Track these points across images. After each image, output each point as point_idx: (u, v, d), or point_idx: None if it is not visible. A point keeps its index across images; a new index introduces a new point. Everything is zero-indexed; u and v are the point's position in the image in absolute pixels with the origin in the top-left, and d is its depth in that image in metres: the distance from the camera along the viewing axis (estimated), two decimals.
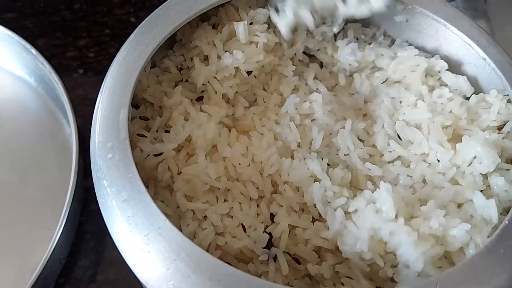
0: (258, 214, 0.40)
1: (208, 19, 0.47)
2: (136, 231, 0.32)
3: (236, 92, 0.44)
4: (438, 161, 0.42)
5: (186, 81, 0.46)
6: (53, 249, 0.42)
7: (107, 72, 0.40)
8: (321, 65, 0.50)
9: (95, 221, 0.50)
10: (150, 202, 0.33)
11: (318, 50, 0.49)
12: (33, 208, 0.49)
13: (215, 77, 0.43)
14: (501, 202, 0.38)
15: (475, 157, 0.40)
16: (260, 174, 0.41)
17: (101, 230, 0.50)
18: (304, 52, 0.49)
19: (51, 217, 0.48)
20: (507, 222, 0.35)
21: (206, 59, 0.45)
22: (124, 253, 0.33)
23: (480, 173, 0.40)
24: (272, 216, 0.41)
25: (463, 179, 0.40)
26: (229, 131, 0.43)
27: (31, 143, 0.54)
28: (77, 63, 0.62)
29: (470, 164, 0.40)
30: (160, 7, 0.43)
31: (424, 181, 0.42)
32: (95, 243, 0.50)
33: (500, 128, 0.43)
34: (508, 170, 0.40)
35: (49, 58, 0.53)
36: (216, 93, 0.43)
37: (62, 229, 0.43)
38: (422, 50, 0.49)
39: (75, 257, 0.49)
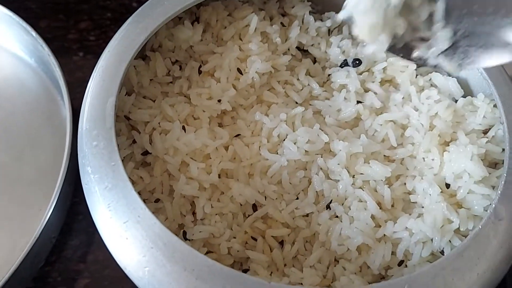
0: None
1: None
2: (116, 218, 0.33)
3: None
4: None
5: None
6: (43, 228, 0.43)
7: (98, 61, 0.40)
8: (314, 60, 0.50)
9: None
10: (131, 190, 0.34)
11: (312, 45, 0.50)
12: (26, 188, 0.51)
13: None
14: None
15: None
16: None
17: None
18: (297, 47, 0.49)
19: (43, 197, 0.49)
20: (480, 227, 0.36)
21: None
22: (105, 238, 0.34)
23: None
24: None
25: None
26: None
27: (27, 123, 0.55)
28: (77, 46, 0.63)
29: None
30: None
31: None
32: (87, 224, 0.51)
33: (485, 132, 0.44)
34: (490, 173, 0.41)
35: (50, 40, 0.54)
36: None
37: (52, 209, 0.44)
38: None
39: (67, 237, 0.50)
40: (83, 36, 0.64)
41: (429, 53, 0.32)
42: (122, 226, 0.33)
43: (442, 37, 0.31)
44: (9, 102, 0.56)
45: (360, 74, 0.48)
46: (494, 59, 0.31)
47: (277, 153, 0.43)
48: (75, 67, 0.61)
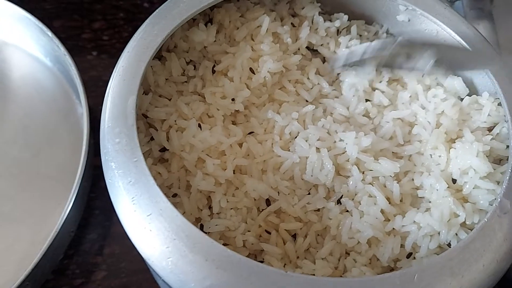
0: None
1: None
2: (140, 211, 0.35)
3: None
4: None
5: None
6: (63, 223, 0.45)
7: (118, 61, 0.42)
8: (324, 60, 0.52)
9: (103, 197, 0.53)
10: (154, 185, 0.36)
11: (321, 45, 0.51)
12: (45, 184, 0.52)
13: None
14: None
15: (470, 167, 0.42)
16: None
17: (109, 206, 0.52)
18: (307, 47, 0.51)
19: (61, 193, 0.50)
20: (486, 220, 0.37)
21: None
22: (128, 230, 0.36)
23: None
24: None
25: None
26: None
27: (45, 121, 0.57)
28: (92, 45, 0.65)
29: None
30: None
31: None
32: (103, 218, 0.53)
33: (490, 129, 0.45)
34: (495, 169, 0.43)
35: (65, 39, 0.56)
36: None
37: (71, 204, 0.46)
38: None
39: (84, 231, 0.52)
40: (97, 36, 0.66)
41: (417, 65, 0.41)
42: (146, 219, 0.35)
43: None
44: (26, 101, 0.58)
45: (368, 74, 0.49)
46: None
47: (289, 150, 0.44)
48: (89, 66, 0.63)
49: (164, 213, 0.35)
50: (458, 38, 0.46)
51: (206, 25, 0.48)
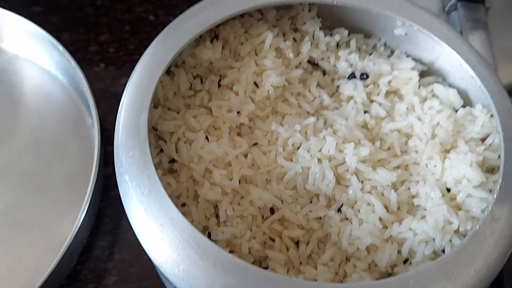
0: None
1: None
2: (153, 221, 0.37)
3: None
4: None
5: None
6: (77, 231, 0.47)
7: (130, 78, 0.44)
8: (324, 73, 0.54)
9: (113, 206, 0.56)
10: (165, 196, 0.38)
11: (322, 59, 0.53)
12: (57, 194, 0.54)
13: None
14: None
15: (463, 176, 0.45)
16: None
17: (119, 215, 0.56)
18: (308, 61, 0.53)
19: (73, 202, 0.52)
20: (478, 227, 0.39)
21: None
22: (141, 239, 0.38)
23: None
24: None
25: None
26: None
27: (55, 133, 0.58)
28: (98, 58, 0.67)
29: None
30: (178, 17, 0.47)
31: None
32: (113, 226, 0.55)
33: (483, 140, 0.48)
34: (487, 178, 0.45)
35: (73, 52, 0.58)
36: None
37: (84, 213, 0.48)
38: (419, 62, 0.53)
39: (95, 238, 0.54)
40: (103, 49, 0.67)
41: None
42: (158, 228, 0.37)
43: None
44: (37, 112, 0.60)
45: (367, 86, 0.52)
46: None
47: (292, 161, 0.46)
48: (97, 78, 0.65)
49: (176, 222, 0.37)
50: (454, 53, 0.48)
51: (212, 41, 0.50)
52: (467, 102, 0.50)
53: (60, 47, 0.58)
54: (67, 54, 0.57)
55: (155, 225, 0.37)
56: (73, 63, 0.57)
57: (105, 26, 0.69)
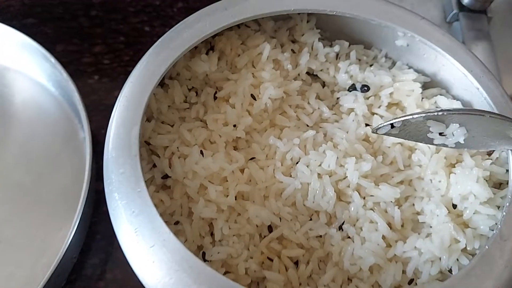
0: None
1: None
2: (143, 242, 0.35)
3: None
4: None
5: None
6: (66, 249, 0.45)
7: (121, 90, 0.42)
8: (323, 84, 0.53)
9: (105, 222, 0.53)
10: (156, 215, 0.36)
11: (321, 70, 0.52)
12: (47, 209, 0.52)
13: None
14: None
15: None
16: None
17: (111, 231, 0.52)
18: (307, 72, 0.52)
19: (63, 218, 0.51)
20: (487, 247, 0.38)
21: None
22: (131, 261, 0.36)
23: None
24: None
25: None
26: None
27: (46, 146, 0.57)
28: (92, 69, 0.65)
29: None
30: (172, 28, 0.46)
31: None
32: (105, 243, 0.53)
33: (489, 154, 0.46)
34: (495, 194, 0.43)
35: (66, 64, 0.56)
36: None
37: (75, 230, 0.46)
38: (422, 73, 0.51)
39: (86, 256, 0.52)
40: (97, 60, 0.66)
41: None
42: (149, 250, 0.35)
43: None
44: (28, 125, 0.58)
45: (367, 98, 0.50)
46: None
47: (291, 176, 0.45)
48: (91, 90, 0.63)
49: (167, 244, 0.35)
50: (458, 64, 0.46)
51: (207, 52, 0.49)
52: None
53: (52, 59, 0.56)
54: (59, 66, 0.56)
55: (145, 246, 0.35)
56: (65, 75, 0.55)
57: (100, 37, 0.68)
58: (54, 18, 0.69)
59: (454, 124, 0.41)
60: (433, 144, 0.43)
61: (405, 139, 0.43)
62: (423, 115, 0.41)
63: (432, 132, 0.42)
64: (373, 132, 0.44)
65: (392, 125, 0.42)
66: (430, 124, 0.41)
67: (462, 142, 0.42)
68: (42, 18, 0.69)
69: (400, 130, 0.42)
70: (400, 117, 0.41)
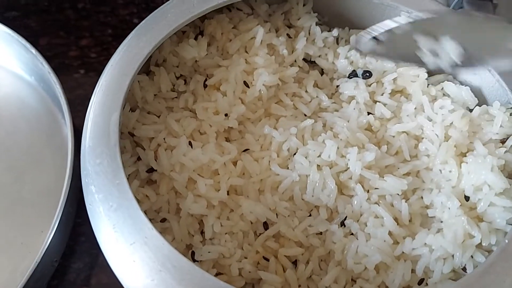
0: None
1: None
2: (122, 240, 0.32)
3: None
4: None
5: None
6: (44, 252, 0.42)
7: (101, 76, 0.39)
8: (322, 72, 0.49)
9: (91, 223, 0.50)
10: (138, 210, 0.33)
11: (319, 56, 0.49)
12: (27, 209, 0.49)
13: None
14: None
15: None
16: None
17: None
18: (304, 59, 0.48)
19: (45, 219, 0.47)
20: (506, 241, 0.34)
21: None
22: (110, 261, 0.33)
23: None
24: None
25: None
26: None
27: (28, 143, 0.54)
28: (79, 63, 0.62)
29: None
30: (157, 9, 0.43)
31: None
32: (90, 246, 0.50)
33: (503, 141, 0.42)
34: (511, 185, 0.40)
35: (51, 57, 0.54)
36: None
37: (54, 231, 0.43)
38: None
39: (69, 260, 0.49)
40: (84, 53, 0.63)
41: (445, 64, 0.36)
42: (129, 248, 0.31)
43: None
44: (9, 121, 0.55)
45: (369, 85, 0.47)
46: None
47: (288, 168, 0.42)
48: (76, 84, 0.60)
49: (150, 241, 0.31)
50: None
51: (196, 37, 0.46)
52: (481, 100, 0.45)
53: (33, 50, 0.53)
54: (40, 58, 0.52)
55: (125, 244, 0.32)
56: (47, 67, 0.52)
57: (87, 30, 0.65)
58: (39, 11, 0.66)
59: (447, 41, 0.35)
60: (426, 68, 0.38)
61: (394, 60, 0.37)
62: (411, 20, 0.35)
63: (422, 50, 0.36)
64: (353, 48, 0.38)
65: (376, 40, 0.35)
66: (418, 39, 0.35)
67: (459, 62, 0.36)
68: (26, 10, 0.66)
69: (387, 47, 0.35)
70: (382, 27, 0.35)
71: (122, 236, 0.32)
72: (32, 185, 0.51)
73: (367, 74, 0.47)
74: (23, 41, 0.54)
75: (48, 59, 0.52)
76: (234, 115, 0.43)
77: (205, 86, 0.45)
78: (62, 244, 0.48)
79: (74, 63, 0.62)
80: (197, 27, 0.46)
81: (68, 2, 0.67)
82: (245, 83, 0.44)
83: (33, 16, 0.65)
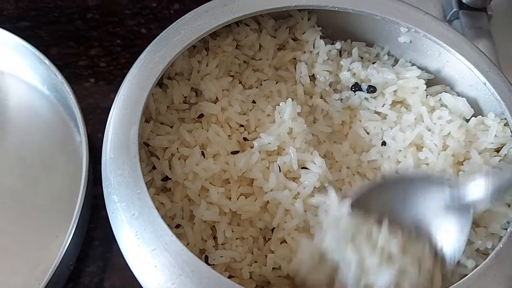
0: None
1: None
2: (144, 246, 0.34)
3: None
4: None
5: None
6: (63, 257, 0.44)
7: (119, 90, 0.41)
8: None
9: (103, 228, 0.52)
10: (158, 217, 0.35)
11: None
12: (42, 215, 0.51)
13: None
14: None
15: None
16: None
17: (109, 237, 0.51)
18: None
19: (59, 224, 0.49)
20: (501, 246, 0.36)
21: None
22: (132, 266, 0.34)
23: None
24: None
25: None
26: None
27: (41, 151, 0.55)
28: (89, 72, 0.64)
29: None
30: (171, 26, 0.44)
31: None
32: (103, 250, 0.51)
33: (497, 150, 0.45)
34: None
35: (62, 67, 0.55)
36: None
37: (71, 237, 0.45)
38: (425, 70, 0.50)
39: (84, 263, 0.50)
40: (94, 63, 0.65)
41: None
42: (151, 254, 0.33)
43: None
44: (23, 130, 0.57)
45: (375, 98, 0.49)
46: None
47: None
48: (87, 93, 0.62)
49: (169, 247, 0.33)
50: (463, 59, 0.45)
51: (207, 51, 0.48)
52: (477, 111, 0.48)
53: (47, 61, 0.55)
54: (53, 68, 0.54)
55: (146, 250, 0.34)
56: (60, 77, 0.54)
57: (96, 40, 0.67)
58: (49, 22, 0.67)
59: None
60: None
61: None
62: None
63: None
64: None
65: None
66: None
67: None
68: (37, 21, 0.67)
69: None
70: None
71: (144, 243, 0.34)
72: (46, 192, 0.53)
73: (372, 89, 0.49)
74: (37, 53, 0.55)
75: (59, 69, 0.54)
76: None
77: None
78: (77, 248, 0.49)
79: (84, 72, 0.64)
80: (206, 42, 0.48)
81: (77, 13, 0.68)
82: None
83: (44, 27, 0.67)
